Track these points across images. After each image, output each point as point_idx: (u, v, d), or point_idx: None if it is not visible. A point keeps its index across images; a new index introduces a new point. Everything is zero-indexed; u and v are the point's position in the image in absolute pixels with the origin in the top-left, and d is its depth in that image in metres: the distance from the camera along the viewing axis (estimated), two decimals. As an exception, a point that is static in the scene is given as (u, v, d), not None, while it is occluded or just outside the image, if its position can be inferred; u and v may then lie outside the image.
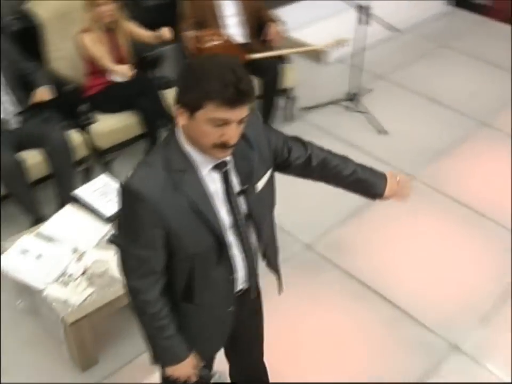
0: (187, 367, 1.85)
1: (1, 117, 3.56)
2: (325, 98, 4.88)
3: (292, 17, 5.01)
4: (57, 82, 3.86)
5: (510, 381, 2.90)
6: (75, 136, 3.72)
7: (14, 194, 3.53)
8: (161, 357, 1.83)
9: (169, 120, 3.96)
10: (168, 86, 4.19)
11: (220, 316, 1.87)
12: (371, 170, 2.05)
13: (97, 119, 3.91)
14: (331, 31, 4.78)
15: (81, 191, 3.22)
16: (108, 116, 3.94)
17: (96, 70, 3.88)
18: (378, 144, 4.44)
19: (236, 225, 1.72)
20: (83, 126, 3.84)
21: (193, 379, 1.90)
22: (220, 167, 1.64)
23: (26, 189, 3.53)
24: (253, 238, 1.81)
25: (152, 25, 4.11)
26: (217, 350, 1.98)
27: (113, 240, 2.90)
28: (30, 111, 3.66)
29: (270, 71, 4.26)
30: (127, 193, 1.58)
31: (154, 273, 1.69)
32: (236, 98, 1.45)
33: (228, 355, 2.30)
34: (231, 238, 1.73)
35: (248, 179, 1.71)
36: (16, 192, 3.52)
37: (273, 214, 1.93)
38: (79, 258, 2.88)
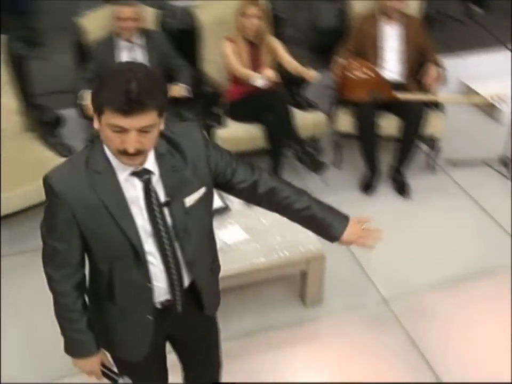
0: (92, 364, 1.86)
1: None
2: (475, 155, 4.48)
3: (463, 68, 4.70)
4: (202, 82, 4.08)
5: None
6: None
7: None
8: (69, 347, 1.85)
9: (296, 140, 3.96)
10: (305, 107, 4.18)
11: (141, 322, 1.84)
12: (331, 210, 1.93)
13: (226, 125, 4.04)
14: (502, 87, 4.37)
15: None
16: (236, 124, 4.06)
17: (237, 78, 4.01)
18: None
19: (157, 235, 1.70)
20: (210, 127, 4.00)
21: (99, 377, 1.90)
22: (139, 174, 1.64)
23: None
24: (178, 252, 1.76)
25: (319, 46, 4.15)
26: (138, 357, 1.92)
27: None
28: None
29: (413, 114, 4.03)
30: (47, 187, 1.64)
31: (69, 266, 1.73)
32: (126, 107, 1.45)
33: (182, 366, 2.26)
34: (151, 246, 1.71)
35: (175, 192, 1.69)
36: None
37: (210, 234, 1.89)
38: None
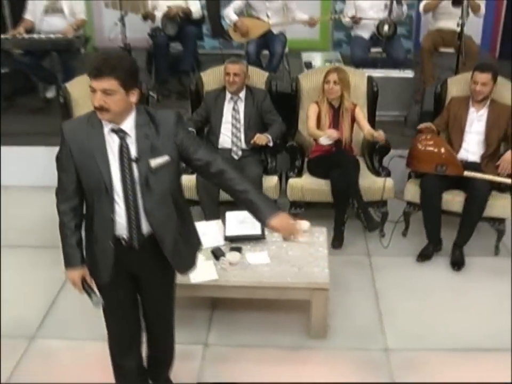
0: (74, 275, 2.54)
1: (231, 147, 4.56)
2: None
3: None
4: (293, 138, 4.66)
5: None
6: (269, 179, 4.46)
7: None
8: (64, 260, 2.56)
9: (358, 199, 4.32)
10: (380, 173, 4.51)
11: (105, 248, 2.48)
12: (267, 200, 2.48)
13: (301, 177, 4.54)
14: None
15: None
16: (311, 178, 4.53)
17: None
18: None
19: (123, 181, 2.36)
20: (287, 176, 4.53)
21: (79, 287, 2.55)
22: (116, 132, 2.35)
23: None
24: (140, 201, 2.39)
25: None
26: (104, 279, 2.53)
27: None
28: (250, 150, 4.56)
29: (477, 191, 4.15)
30: (60, 129, 2.42)
31: (67, 191, 2.45)
32: (93, 72, 2.21)
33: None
34: (118, 188, 2.38)
35: (143, 153, 2.36)
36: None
37: (175, 200, 2.49)
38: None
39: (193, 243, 2.71)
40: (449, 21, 5.80)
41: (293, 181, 4.50)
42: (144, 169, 2.36)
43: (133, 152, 2.36)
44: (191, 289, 3.49)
